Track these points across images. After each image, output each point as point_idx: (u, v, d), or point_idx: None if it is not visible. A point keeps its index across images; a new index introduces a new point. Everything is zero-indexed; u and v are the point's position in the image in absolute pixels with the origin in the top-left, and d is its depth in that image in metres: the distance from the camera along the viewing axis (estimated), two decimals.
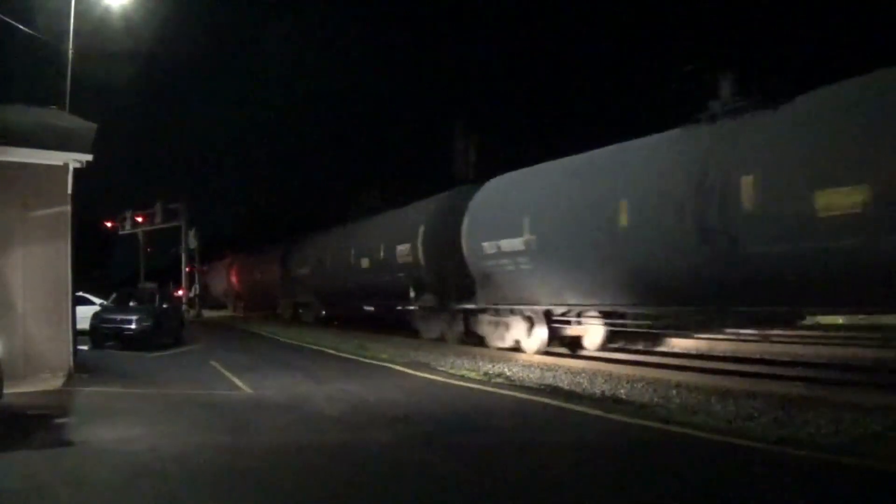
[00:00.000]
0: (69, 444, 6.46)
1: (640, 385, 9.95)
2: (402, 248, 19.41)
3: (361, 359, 14.76)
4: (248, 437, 7.08)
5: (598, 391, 9.67)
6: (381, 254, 20.73)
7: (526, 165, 16.19)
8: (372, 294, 22.41)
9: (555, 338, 14.78)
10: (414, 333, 19.21)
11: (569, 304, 14.08)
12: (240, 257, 41.98)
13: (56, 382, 10.11)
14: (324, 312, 28.36)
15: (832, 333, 14.57)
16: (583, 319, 14.55)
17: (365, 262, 22.03)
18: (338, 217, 28.43)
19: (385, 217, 22.59)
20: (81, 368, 11.34)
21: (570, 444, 6.87)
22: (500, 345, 15.40)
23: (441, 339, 17.59)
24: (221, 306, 44.64)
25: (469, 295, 16.36)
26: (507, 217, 14.80)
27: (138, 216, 39.05)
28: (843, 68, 9.74)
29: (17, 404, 8.10)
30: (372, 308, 24.00)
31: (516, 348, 14.99)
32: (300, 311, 30.08)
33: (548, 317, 14.52)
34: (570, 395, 9.36)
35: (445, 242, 17.07)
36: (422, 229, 18.42)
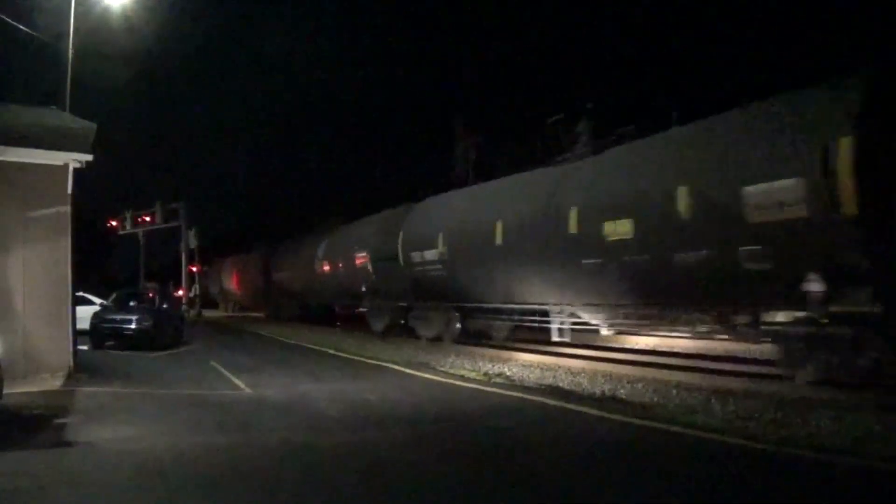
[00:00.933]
0: (69, 444, 6.46)
1: (640, 385, 9.96)
2: (775, 190, 9.02)
3: (362, 359, 14.76)
4: (248, 437, 7.07)
5: (598, 391, 9.68)
6: (682, 202, 10.31)
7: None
8: (632, 287, 11.65)
9: None
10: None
11: None
12: (289, 247, 31.44)
13: (56, 382, 10.10)
14: (459, 326, 17.36)
15: None
16: None
17: (622, 228, 11.43)
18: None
19: (678, 137, 11.49)
20: (81, 368, 11.32)
21: (571, 444, 6.87)
22: None
23: None
24: (248, 308, 38.05)
25: None
26: None
27: (138, 216, 39.07)
28: None
29: (17, 404, 8.10)
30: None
31: None
32: (413, 323, 19.01)
33: None
34: (570, 395, 9.37)
35: None
36: None
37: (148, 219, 39.04)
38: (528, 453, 6.45)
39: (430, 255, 17.23)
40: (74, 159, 10.81)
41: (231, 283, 40.54)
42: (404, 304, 19.32)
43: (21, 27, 13.78)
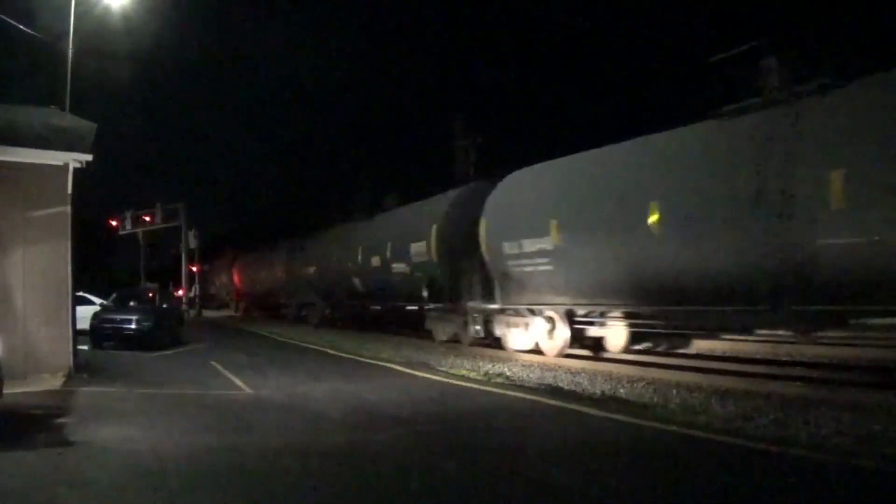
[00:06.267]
0: (69, 444, 6.46)
1: (640, 385, 9.96)
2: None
3: (361, 359, 14.76)
4: (248, 437, 7.07)
5: (598, 391, 9.67)
6: None
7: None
8: None
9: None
10: None
11: None
12: None
13: (56, 382, 10.10)
14: None
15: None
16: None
17: None
18: None
19: None
20: (81, 368, 11.33)
21: (570, 444, 6.86)
22: None
23: None
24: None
25: None
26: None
27: (138, 216, 39.06)
28: None
29: (18, 404, 8.09)
30: None
31: None
32: None
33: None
34: (570, 395, 9.36)
35: None
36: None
37: (148, 219, 39.01)
38: (528, 453, 6.45)
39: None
40: (74, 159, 10.81)
41: (256, 281, 36.15)
42: None
43: (21, 27, 13.79)
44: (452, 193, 17.84)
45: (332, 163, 78.29)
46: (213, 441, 6.75)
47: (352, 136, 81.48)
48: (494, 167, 19.20)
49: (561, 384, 10.43)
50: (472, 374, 11.81)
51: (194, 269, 40.97)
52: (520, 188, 15.02)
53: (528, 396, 9.33)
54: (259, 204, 63.81)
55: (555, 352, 13.74)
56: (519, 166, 16.22)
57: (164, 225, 39.18)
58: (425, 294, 17.36)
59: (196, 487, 5.26)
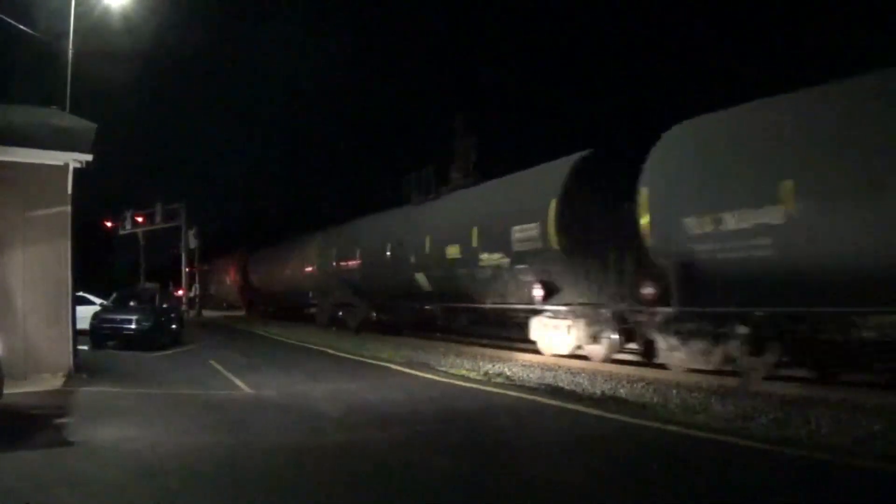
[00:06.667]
0: (69, 443, 6.46)
1: (640, 385, 9.96)
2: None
3: (361, 358, 14.76)
4: (248, 437, 7.07)
5: (598, 391, 9.68)
6: None
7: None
8: None
9: None
10: None
11: None
12: None
13: (56, 382, 10.10)
14: None
15: None
16: None
17: None
18: None
19: None
20: (81, 368, 11.32)
21: (570, 444, 6.87)
22: None
23: None
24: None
25: None
26: None
27: (138, 216, 39.01)
28: None
29: (18, 404, 8.09)
30: None
31: None
32: None
33: None
34: (570, 395, 9.37)
35: None
36: None
37: (141, 219, 38.92)
38: (528, 453, 6.45)
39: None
40: (74, 159, 10.82)
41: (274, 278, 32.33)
42: None
43: (21, 27, 13.78)
44: (575, 157, 13.60)
45: (332, 161, 78.42)
46: (212, 441, 6.75)
47: (351, 134, 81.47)
48: (494, 167, 19.16)
49: (561, 384, 10.44)
50: (472, 374, 11.81)
51: (194, 268, 40.95)
52: (712, 140, 10.68)
53: (529, 396, 9.34)
54: (260, 204, 63.77)
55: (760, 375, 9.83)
56: (519, 166, 16.07)
57: (164, 225, 39.13)
58: (538, 293, 13.52)
59: (195, 487, 5.26)
